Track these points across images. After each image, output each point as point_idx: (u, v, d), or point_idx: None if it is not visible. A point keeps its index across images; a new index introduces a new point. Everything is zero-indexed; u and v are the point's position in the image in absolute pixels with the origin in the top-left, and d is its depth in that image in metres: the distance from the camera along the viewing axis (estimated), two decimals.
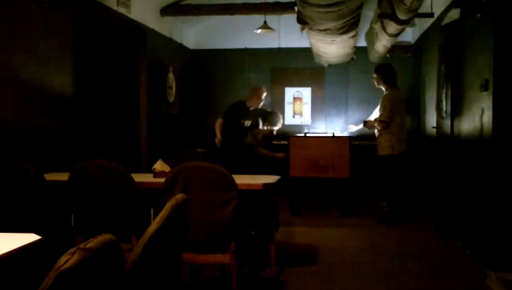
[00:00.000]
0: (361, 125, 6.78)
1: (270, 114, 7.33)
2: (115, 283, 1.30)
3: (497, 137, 3.97)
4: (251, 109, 6.65)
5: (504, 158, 3.96)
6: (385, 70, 6.44)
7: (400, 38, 7.05)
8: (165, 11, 7.48)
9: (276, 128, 7.12)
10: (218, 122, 6.82)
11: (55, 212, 3.47)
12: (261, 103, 6.77)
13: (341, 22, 5.16)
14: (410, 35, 8.16)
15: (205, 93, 8.93)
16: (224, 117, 6.70)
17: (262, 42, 8.50)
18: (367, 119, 6.71)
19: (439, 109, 5.88)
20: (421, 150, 7.10)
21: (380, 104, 6.35)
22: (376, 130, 6.44)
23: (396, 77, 6.49)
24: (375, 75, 6.51)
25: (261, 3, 6.79)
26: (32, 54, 4.37)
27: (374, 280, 3.99)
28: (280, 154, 6.82)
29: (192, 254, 3.24)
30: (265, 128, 7.05)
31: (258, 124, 6.82)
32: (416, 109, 7.49)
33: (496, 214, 3.98)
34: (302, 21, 5.34)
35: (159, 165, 3.85)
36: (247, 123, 6.60)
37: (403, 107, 6.34)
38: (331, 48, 6.80)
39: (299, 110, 9.01)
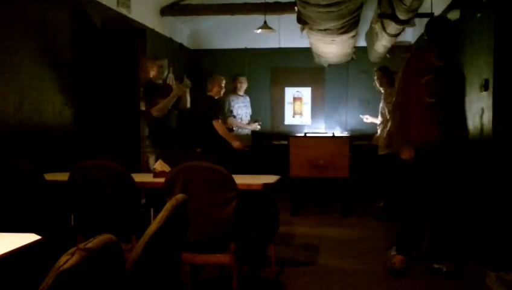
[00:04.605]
0: (377, 120, 6.71)
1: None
2: (115, 283, 1.30)
3: (497, 137, 3.97)
4: (216, 98, 6.56)
5: (504, 158, 3.96)
6: (389, 72, 6.48)
7: (400, 38, 7.04)
8: (165, 11, 7.48)
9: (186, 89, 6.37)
10: (221, 124, 6.45)
11: (55, 212, 3.47)
12: (222, 92, 6.65)
13: (341, 22, 5.17)
14: (410, 35, 8.15)
15: (205, 93, 8.90)
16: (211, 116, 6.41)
17: (262, 42, 8.49)
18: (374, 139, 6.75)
19: None
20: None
21: (382, 103, 6.39)
22: (378, 130, 6.50)
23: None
24: (380, 76, 6.49)
25: (261, 3, 6.78)
26: (31, 54, 4.37)
27: (374, 280, 3.99)
28: (236, 143, 6.20)
29: (192, 254, 3.24)
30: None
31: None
32: None
33: (495, 214, 3.98)
34: (302, 21, 5.35)
35: (159, 165, 3.84)
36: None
37: None
38: (331, 48, 6.80)
39: (299, 110, 9.01)
